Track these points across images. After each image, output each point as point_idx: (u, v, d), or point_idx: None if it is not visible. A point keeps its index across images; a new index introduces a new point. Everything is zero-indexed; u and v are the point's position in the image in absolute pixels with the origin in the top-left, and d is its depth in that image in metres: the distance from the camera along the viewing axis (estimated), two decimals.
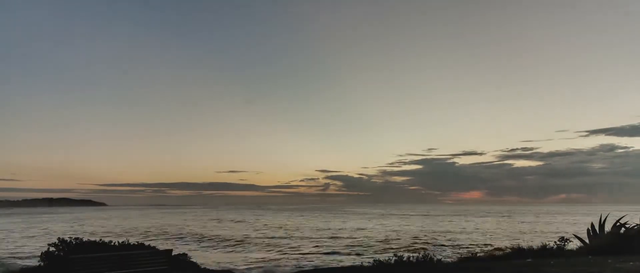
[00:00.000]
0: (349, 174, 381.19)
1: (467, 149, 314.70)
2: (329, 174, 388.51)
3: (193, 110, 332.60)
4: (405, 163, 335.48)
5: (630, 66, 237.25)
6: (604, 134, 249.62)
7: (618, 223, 15.41)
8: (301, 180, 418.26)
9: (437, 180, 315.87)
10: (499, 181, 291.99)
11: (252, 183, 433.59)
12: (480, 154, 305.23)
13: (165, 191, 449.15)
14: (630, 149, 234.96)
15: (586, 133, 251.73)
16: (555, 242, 14.89)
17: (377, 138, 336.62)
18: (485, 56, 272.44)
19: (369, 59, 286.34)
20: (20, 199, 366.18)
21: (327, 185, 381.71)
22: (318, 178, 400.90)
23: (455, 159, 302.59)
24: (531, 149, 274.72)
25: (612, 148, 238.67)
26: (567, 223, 56.60)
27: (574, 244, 15.72)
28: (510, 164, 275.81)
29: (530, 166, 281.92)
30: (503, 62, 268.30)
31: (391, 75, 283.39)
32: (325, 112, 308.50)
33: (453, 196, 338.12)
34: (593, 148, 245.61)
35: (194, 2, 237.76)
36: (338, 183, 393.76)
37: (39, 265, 14.08)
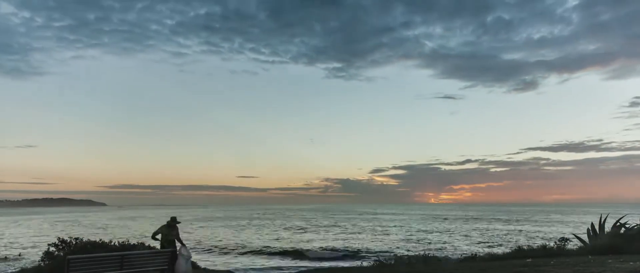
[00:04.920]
0: (345, 178, 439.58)
1: (442, 160, 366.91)
2: (328, 177, 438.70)
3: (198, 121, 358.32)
4: (394, 168, 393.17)
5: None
6: (539, 150, 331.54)
7: (618, 223, 15.40)
8: (303, 183, 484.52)
9: (424, 182, 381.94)
10: (481, 183, 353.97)
11: (253, 185, 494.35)
12: (452, 164, 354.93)
13: (169, 192, 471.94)
14: (558, 160, 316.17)
15: (526, 149, 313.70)
16: (555, 241, 14.89)
17: (367, 148, 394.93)
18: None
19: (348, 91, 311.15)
20: (20, 199, 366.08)
21: (326, 187, 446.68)
22: (317, 181, 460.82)
23: (439, 166, 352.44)
24: (495, 161, 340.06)
25: (549, 159, 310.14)
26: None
27: (574, 244, 15.72)
28: (487, 169, 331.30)
29: (497, 171, 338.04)
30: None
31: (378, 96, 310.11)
32: (321, 129, 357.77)
33: (439, 196, 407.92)
34: (535, 158, 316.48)
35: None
36: (337, 185, 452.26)
37: (39, 265, 14.06)
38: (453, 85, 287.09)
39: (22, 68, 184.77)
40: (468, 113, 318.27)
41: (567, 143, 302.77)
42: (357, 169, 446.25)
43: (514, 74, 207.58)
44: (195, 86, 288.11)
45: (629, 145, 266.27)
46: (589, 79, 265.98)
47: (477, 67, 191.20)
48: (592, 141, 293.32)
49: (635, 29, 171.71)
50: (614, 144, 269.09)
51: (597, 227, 15.56)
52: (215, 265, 21.48)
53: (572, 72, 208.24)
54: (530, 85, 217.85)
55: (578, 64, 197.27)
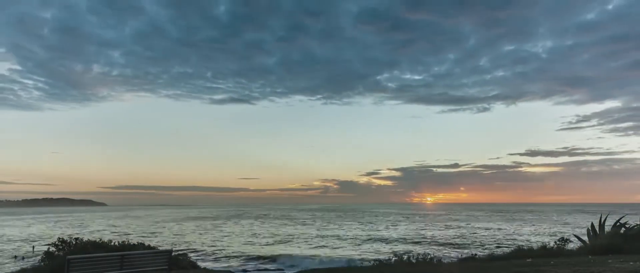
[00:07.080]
0: (344, 179, 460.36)
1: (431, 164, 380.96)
2: (327, 178, 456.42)
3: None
4: (389, 170, 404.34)
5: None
6: (517, 155, 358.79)
7: (618, 223, 15.40)
8: (301, 184, 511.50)
9: (420, 183, 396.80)
10: (475, 184, 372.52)
11: (254, 187, 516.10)
12: (434, 167, 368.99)
13: (170, 193, 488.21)
14: (541, 163, 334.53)
15: (507, 155, 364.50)
16: (555, 241, 14.90)
17: (362, 154, 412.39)
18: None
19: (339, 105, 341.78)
20: (20, 199, 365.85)
21: (326, 188, 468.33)
22: (317, 183, 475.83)
23: (431, 168, 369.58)
24: (483, 165, 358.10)
25: (529, 163, 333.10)
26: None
27: (574, 244, 15.72)
28: (480, 171, 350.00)
29: (487, 173, 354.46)
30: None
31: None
32: (320, 138, 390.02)
33: (436, 196, 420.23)
34: (516, 162, 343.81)
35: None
36: (336, 186, 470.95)
37: (40, 265, 14.07)
38: (424, 109, 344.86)
39: (92, 98, 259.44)
40: (446, 127, 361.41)
41: (539, 149, 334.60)
42: (356, 171, 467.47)
43: (471, 102, 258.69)
44: (221, 109, 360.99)
45: (594, 151, 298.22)
46: (534, 105, 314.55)
47: (436, 99, 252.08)
48: (561, 148, 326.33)
49: (551, 74, 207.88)
50: (580, 151, 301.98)
51: (597, 227, 15.56)
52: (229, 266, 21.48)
53: (516, 102, 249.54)
54: (487, 109, 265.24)
55: (519, 96, 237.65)
